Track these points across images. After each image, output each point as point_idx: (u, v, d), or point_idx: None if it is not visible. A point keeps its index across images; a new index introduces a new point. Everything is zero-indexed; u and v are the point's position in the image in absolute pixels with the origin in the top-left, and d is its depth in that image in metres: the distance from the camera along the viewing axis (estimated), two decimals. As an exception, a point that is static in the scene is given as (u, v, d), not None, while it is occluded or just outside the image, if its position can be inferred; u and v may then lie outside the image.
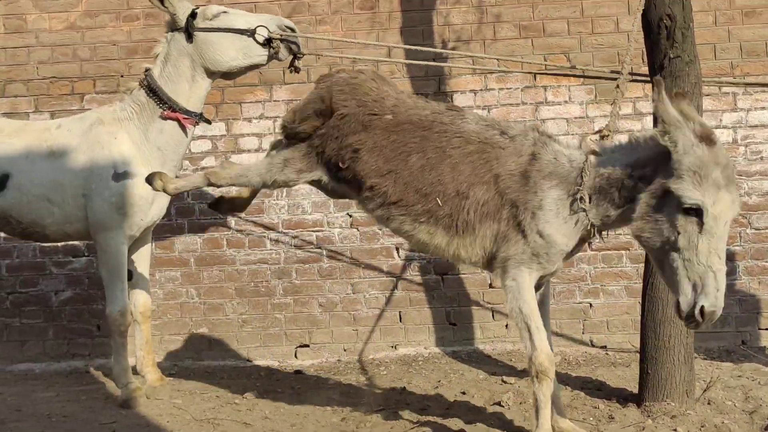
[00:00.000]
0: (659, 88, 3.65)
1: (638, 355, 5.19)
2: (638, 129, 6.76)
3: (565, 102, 6.83)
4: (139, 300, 5.66)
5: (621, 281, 6.77)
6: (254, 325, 6.85)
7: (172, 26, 5.37)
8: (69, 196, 5.28)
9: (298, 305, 6.85)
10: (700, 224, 3.51)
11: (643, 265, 5.24)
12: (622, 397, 5.18)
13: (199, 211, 6.88)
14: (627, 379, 5.57)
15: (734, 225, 6.63)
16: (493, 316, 6.80)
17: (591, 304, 6.79)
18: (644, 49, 5.27)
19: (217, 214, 6.67)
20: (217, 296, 6.87)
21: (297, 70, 5.43)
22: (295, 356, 6.81)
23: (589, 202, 3.89)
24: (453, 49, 6.82)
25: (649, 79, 5.17)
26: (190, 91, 5.37)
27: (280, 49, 5.29)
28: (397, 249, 6.82)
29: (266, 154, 4.84)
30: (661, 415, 4.77)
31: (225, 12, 5.32)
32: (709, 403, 4.98)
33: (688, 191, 3.51)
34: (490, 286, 6.80)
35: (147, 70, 5.43)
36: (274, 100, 6.94)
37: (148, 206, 5.32)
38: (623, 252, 6.76)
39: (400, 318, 6.84)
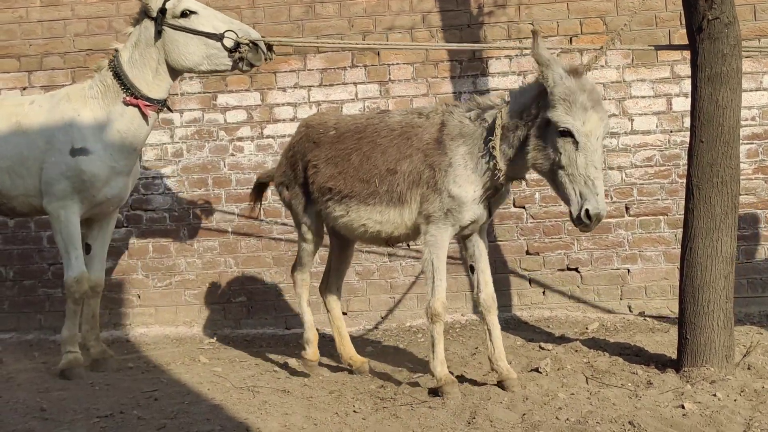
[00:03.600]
0: (536, 37, 4.34)
1: (677, 320, 5.17)
2: (676, 92, 6.69)
3: (602, 66, 6.74)
4: (93, 275, 5.62)
5: (659, 247, 6.72)
6: (292, 293, 6.85)
7: (146, 13, 5.31)
8: (33, 169, 5.35)
9: (335, 273, 6.87)
10: (575, 143, 4.23)
11: (681, 230, 5.19)
12: (661, 363, 5.16)
13: (236, 181, 6.92)
14: (665, 344, 5.54)
15: (775, 189, 6.57)
16: (529, 282, 6.78)
17: (629, 270, 6.75)
18: (682, 11, 5.18)
19: (253, 184, 6.73)
20: (255, 265, 6.92)
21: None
22: (333, 324, 6.85)
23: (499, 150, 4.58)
24: (489, 13, 6.76)
25: (686, 46, 5.11)
26: (153, 80, 5.34)
27: (244, 62, 5.25)
28: (433, 216, 6.81)
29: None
30: (701, 380, 4.75)
31: (195, 13, 5.25)
32: (749, 368, 4.95)
33: (561, 117, 4.23)
34: (527, 253, 6.79)
35: (116, 51, 5.41)
36: (308, 69, 6.92)
37: (102, 185, 5.33)
38: (661, 217, 6.71)
39: (437, 285, 6.84)
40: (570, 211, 4.31)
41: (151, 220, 6.97)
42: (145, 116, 5.35)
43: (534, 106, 4.43)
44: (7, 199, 5.47)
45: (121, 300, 6.97)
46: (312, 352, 5.39)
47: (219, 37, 5.22)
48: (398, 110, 5.16)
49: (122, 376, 5.37)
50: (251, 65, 5.30)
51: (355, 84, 6.91)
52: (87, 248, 5.63)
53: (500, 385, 4.86)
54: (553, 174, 4.37)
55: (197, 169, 6.94)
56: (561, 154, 4.27)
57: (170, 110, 5.70)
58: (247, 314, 6.91)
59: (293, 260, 6.82)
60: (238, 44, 5.22)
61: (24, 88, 6.92)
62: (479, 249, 4.99)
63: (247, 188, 6.84)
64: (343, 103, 6.89)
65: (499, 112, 4.59)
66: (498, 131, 4.54)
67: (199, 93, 6.97)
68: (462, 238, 5.01)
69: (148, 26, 5.31)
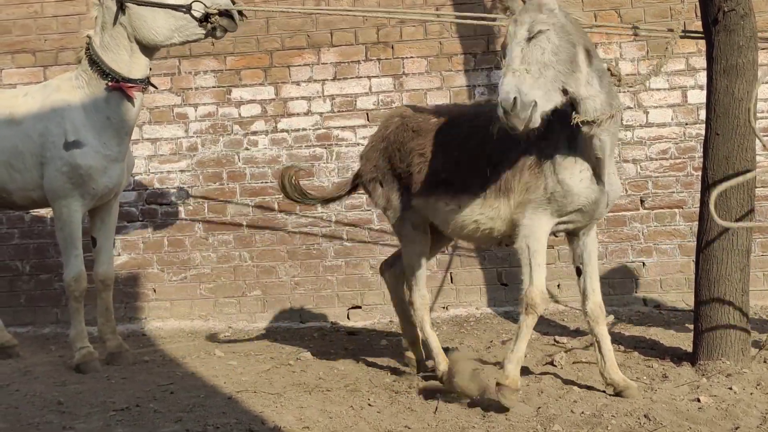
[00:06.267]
0: None
1: (692, 313, 5.15)
2: (691, 84, 6.66)
3: (617, 59, 6.72)
4: (101, 269, 5.61)
5: (674, 239, 6.70)
6: (307, 287, 6.91)
7: None
8: (29, 163, 5.33)
9: (350, 267, 6.89)
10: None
11: (696, 223, 5.17)
12: (677, 356, 5.15)
13: (250, 175, 6.93)
14: (681, 338, 5.53)
15: (791, 181, 6.54)
16: (544, 276, 6.76)
17: (644, 263, 6.73)
18: (697, 3, 5.15)
19: (267, 177, 6.77)
20: (270, 259, 6.93)
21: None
22: (348, 317, 6.86)
23: None
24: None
25: (702, 35, 5.09)
26: (131, 60, 5.24)
27: (217, 29, 5.14)
28: (448, 210, 6.80)
29: None
30: (716, 373, 4.74)
31: None
32: (765, 362, 4.94)
33: None
34: (542, 246, 6.77)
35: (89, 38, 5.32)
36: (322, 63, 6.92)
37: (99, 175, 5.28)
38: (676, 210, 6.69)
39: (452, 279, 6.84)
40: None
41: (166, 214, 6.99)
42: (130, 98, 5.27)
43: None
44: (7, 194, 5.46)
45: (137, 294, 7.00)
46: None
47: (186, 8, 5.09)
48: (490, 103, 5.03)
49: (138, 370, 5.40)
50: (226, 31, 5.18)
51: (368, 77, 6.91)
52: (93, 242, 5.62)
53: (618, 395, 4.49)
54: None
55: (212, 163, 6.96)
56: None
57: (155, 87, 5.60)
58: (262, 308, 6.93)
59: (307, 253, 6.86)
60: (208, 14, 5.10)
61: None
62: (588, 250, 4.66)
63: (262, 182, 6.88)
64: (357, 96, 6.89)
65: None
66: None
67: (214, 87, 6.98)
68: (568, 234, 4.67)
69: (110, 6, 5.19)
